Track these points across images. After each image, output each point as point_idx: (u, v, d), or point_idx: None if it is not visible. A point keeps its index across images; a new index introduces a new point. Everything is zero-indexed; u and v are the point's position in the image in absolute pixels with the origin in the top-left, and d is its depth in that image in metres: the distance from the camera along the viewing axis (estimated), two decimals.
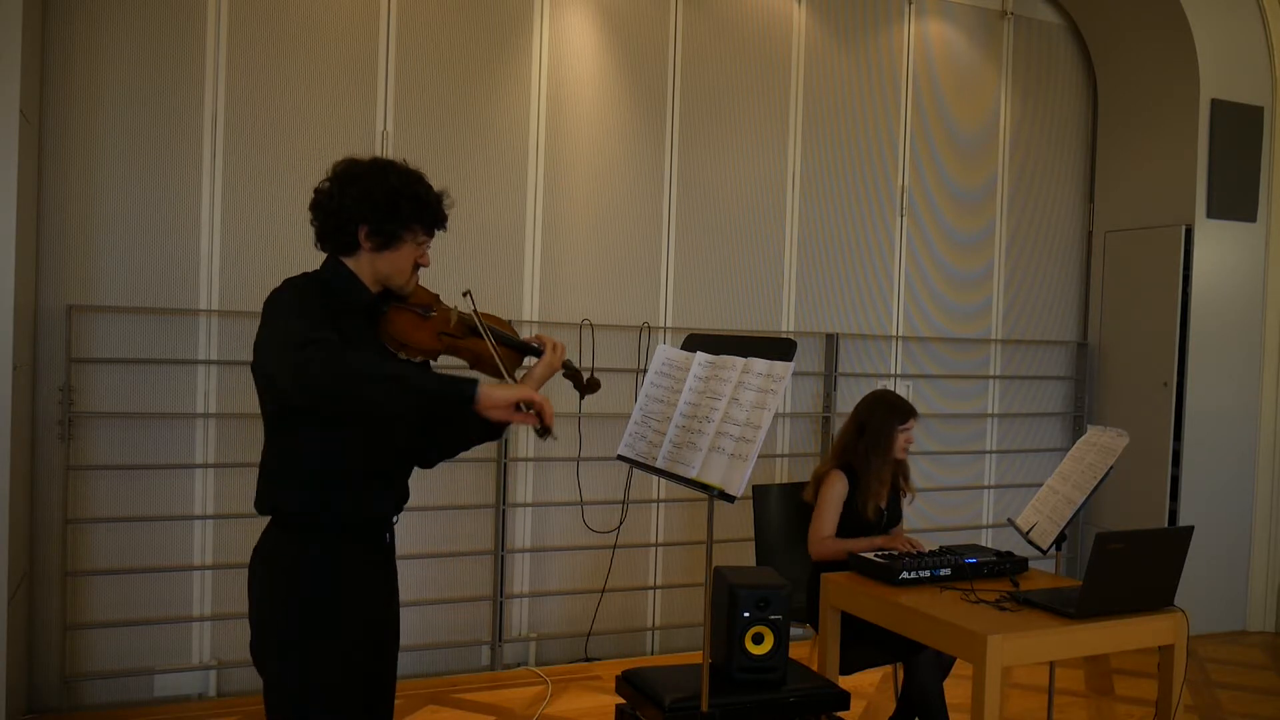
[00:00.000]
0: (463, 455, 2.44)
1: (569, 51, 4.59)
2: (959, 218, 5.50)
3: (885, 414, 3.51)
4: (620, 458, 2.52)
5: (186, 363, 3.96)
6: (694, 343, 2.50)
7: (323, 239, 2.12)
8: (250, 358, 2.06)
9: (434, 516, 4.33)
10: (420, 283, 2.22)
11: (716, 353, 2.41)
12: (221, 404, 4.01)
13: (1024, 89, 5.64)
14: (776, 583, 2.76)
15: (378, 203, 2.05)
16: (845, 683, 3.02)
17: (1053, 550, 3.19)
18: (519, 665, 4.53)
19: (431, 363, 2.25)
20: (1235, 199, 5.34)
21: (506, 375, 2.21)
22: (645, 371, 3.50)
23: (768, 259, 5.01)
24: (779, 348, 2.30)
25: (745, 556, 4.56)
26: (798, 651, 3.12)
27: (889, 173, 5.29)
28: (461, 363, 2.26)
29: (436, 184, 2.16)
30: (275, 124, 4.09)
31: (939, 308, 5.45)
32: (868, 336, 5.25)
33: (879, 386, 4.88)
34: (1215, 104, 5.26)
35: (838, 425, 4.74)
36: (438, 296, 2.28)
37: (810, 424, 5.13)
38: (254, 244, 4.06)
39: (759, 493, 3.89)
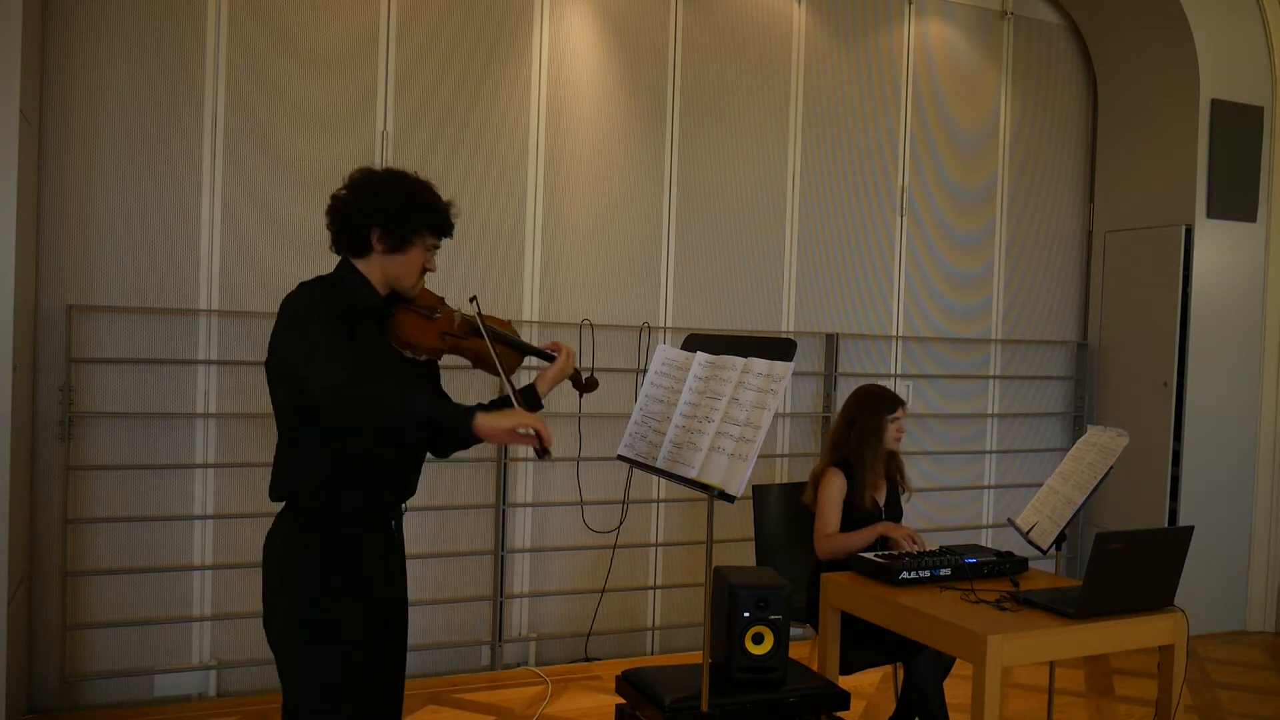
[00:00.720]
0: (463, 455, 2.50)
1: (569, 51, 4.59)
2: (959, 218, 5.50)
3: (873, 406, 3.56)
4: (620, 458, 2.53)
5: (186, 363, 3.96)
6: (694, 343, 2.50)
7: (338, 242, 2.25)
8: (251, 357, 2.10)
9: (434, 516, 4.33)
10: (426, 286, 2.33)
11: (716, 353, 2.41)
12: (221, 404, 4.00)
13: (1024, 89, 5.64)
14: (776, 583, 2.76)
15: (391, 207, 2.18)
16: (845, 683, 3.02)
17: (1053, 550, 3.19)
18: (519, 665, 4.53)
19: (437, 361, 2.37)
20: (1235, 199, 5.34)
21: (503, 372, 2.32)
22: (645, 371, 3.51)
23: (768, 259, 5.01)
24: (779, 348, 2.30)
25: (745, 556, 4.56)
26: (798, 651, 3.13)
27: (889, 173, 5.29)
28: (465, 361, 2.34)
29: (436, 185, 2.26)
30: (275, 124, 4.09)
31: (939, 308, 5.45)
32: (868, 336, 5.25)
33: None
34: (1215, 104, 5.26)
35: None
36: (442, 299, 2.38)
37: (810, 424, 5.13)
38: (254, 244, 4.06)
39: (759, 493, 3.89)
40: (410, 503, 2.36)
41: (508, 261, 4.50)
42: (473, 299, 2.36)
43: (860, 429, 3.54)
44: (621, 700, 2.85)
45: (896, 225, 5.32)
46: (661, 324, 4.79)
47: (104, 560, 3.87)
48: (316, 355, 2.03)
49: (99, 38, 3.83)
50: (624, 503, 4.61)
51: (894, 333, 5.33)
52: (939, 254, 5.44)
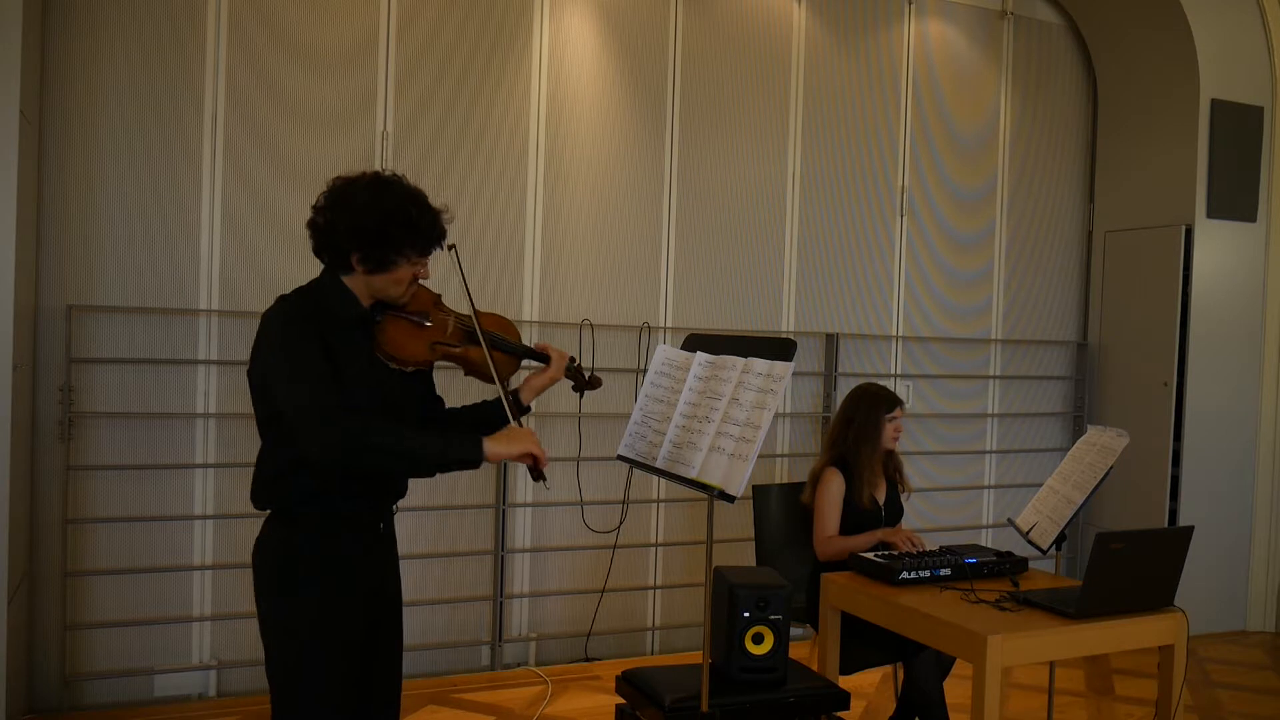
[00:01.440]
0: None
1: (569, 51, 4.59)
2: (959, 218, 5.50)
3: (871, 405, 3.57)
4: (620, 458, 2.52)
5: (186, 363, 3.96)
6: (694, 343, 2.50)
7: (318, 255, 2.15)
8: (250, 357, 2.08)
9: (434, 516, 4.33)
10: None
11: (716, 353, 2.41)
12: (221, 404, 4.00)
13: (1024, 89, 5.64)
14: (776, 583, 2.75)
15: (368, 231, 2.05)
16: (845, 683, 3.02)
17: (1053, 550, 3.19)
18: (519, 665, 4.53)
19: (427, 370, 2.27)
20: (1235, 199, 5.34)
21: (502, 389, 2.21)
22: (645, 371, 3.51)
23: (768, 259, 5.01)
24: (779, 348, 2.30)
25: (745, 556, 4.56)
26: (798, 651, 3.12)
27: (889, 173, 5.29)
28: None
29: (437, 185, 2.19)
30: (275, 124, 4.09)
31: (939, 308, 5.45)
32: (868, 336, 5.25)
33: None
34: (1215, 104, 5.26)
35: None
36: (439, 298, 2.25)
37: (810, 424, 5.13)
38: (254, 244, 4.06)
39: (759, 493, 3.89)
40: (410, 503, 2.35)
41: (508, 261, 4.50)
42: (451, 247, 2.22)
43: (858, 428, 3.55)
44: (621, 700, 2.85)
45: (896, 225, 5.32)
46: (661, 324, 4.79)
47: (104, 560, 3.87)
48: (310, 404, 1.97)
49: (99, 38, 3.83)
50: (624, 503, 4.61)
51: (894, 333, 5.33)
52: (939, 254, 5.44)
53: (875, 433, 3.54)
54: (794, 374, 4.16)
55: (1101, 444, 3.21)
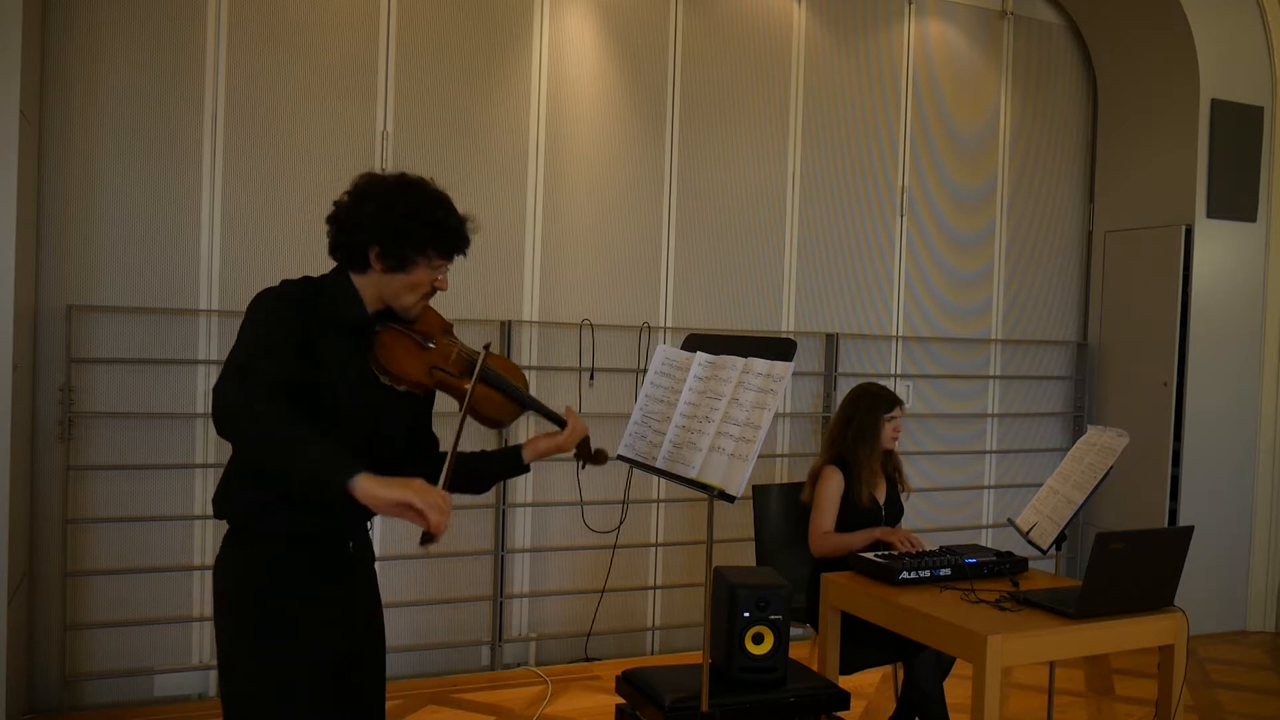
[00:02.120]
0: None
1: (569, 51, 4.59)
2: (959, 218, 5.50)
3: (870, 404, 3.58)
4: (620, 458, 2.53)
5: (186, 363, 3.96)
6: (694, 343, 2.50)
7: (334, 250, 2.05)
8: None
9: None
10: (434, 306, 2.13)
11: (716, 353, 2.41)
12: None
13: (1024, 89, 5.64)
14: (776, 583, 2.76)
15: (390, 226, 1.97)
16: (845, 683, 3.02)
17: (1053, 550, 3.19)
18: (519, 665, 4.53)
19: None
20: (1235, 199, 5.34)
21: (460, 422, 2.04)
22: (645, 371, 3.50)
23: (768, 259, 5.01)
24: (779, 348, 2.30)
25: (745, 556, 4.56)
26: (798, 651, 3.12)
27: (889, 173, 5.29)
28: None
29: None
30: (275, 124, 4.09)
31: (939, 308, 5.45)
32: (868, 336, 5.25)
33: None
34: (1215, 104, 5.26)
35: None
36: (450, 327, 2.15)
37: (810, 424, 5.13)
38: (254, 244, 4.06)
39: (759, 493, 3.89)
40: None
41: (508, 261, 4.50)
42: (486, 346, 2.11)
43: (857, 427, 3.56)
44: (621, 700, 2.85)
45: (896, 225, 5.32)
46: (661, 324, 4.79)
47: (104, 560, 3.87)
48: (246, 344, 1.85)
49: (99, 38, 3.83)
50: (624, 503, 4.61)
51: (894, 333, 5.33)
52: (939, 254, 5.44)
53: (874, 432, 3.55)
54: (794, 374, 4.16)
55: (1101, 444, 3.21)
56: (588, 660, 4.61)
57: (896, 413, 3.58)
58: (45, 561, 3.79)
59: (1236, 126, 5.31)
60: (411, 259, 2.00)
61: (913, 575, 3.05)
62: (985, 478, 5.61)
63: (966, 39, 5.48)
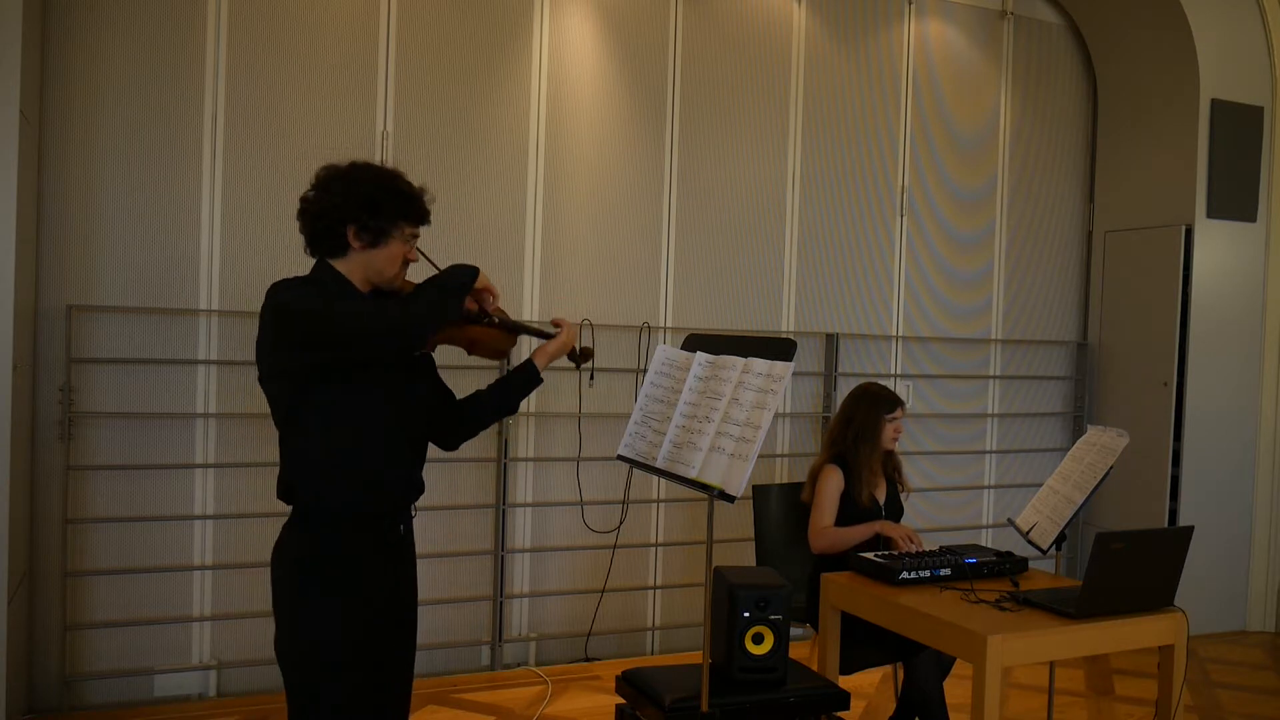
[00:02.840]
0: (463, 455, 2.48)
1: (569, 51, 4.59)
2: (959, 218, 5.50)
3: (871, 405, 3.58)
4: (620, 458, 2.53)
5: (186, 363, 3.96)
6: (694, 343, 2.50)
7: (313, 244, 2.19)
8: (251, 356, 2.10)
9: (434, 516, 4.33)
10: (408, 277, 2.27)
11: (716, 353, 2.41)
12: (221, 404, 4.00)
13: (1024, 89, 5.64)
14: (776, 583, 2.76)
15: (362, 201, 2.11)
16: (845, 683, 3.02)
17: (1053, 550, 3.19)
18: (519, 665, 4.53)
19: (431, 355, 2.36)
20: (1235, 199, 5.34)
21: (501, 356, 2.34)
22: (645, 371, 3.51)
23: (768, 259, 5.01)
24: (779, 348, 2.30)
25: (745, 556, 4.56)
26: (798, 651, 3.12)
27: (889, 173, 5.29)
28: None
29: (437, 185, 2.23)
30: (275, 124, 4.09)
31: (939, 307, 5.45)
32: (868, 336, 5.25)
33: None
34: (1215, 104, 5.26)
35: None
36: None
37: (810, 424, 5.13)
38: (254, 244, 4.06)
39: (759, 493, 3.89)
40: None
41: (508, 261, 4.50)
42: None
43: (857, 427, 3.56)
44: (621, 700, 2.85)
45: (896, 225, 5.32)
46: (661, 324, 4.79)
47: (104, 560, 3.87)
48: (340, 304, 2.05)
49: (99, 38, 3.83)
50: (624, 503, 4.61)
51: (894, 333, 5.33)
52: (939, 254, 5.44)
53: (875, 433, 3.55)
54: (794, 374, 4.16)
55: (1101, 444, 3.21)
56: (588, 660, 4.61)
57: (898, 413, 3.58)
58: (45, 561, 3.79)
59: (1236, 126, 5.31)
60: (387, 231, 2.14)
61: (913, 575, 3.05)
62: (985, 478, 5.61)
63: (966, 39, 5.48)
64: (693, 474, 2.27)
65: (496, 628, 4.47)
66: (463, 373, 3.81)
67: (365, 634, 2.15)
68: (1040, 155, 5.72)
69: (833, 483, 3.53)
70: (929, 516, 5.38)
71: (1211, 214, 5.29)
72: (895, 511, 3.64)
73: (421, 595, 4.45)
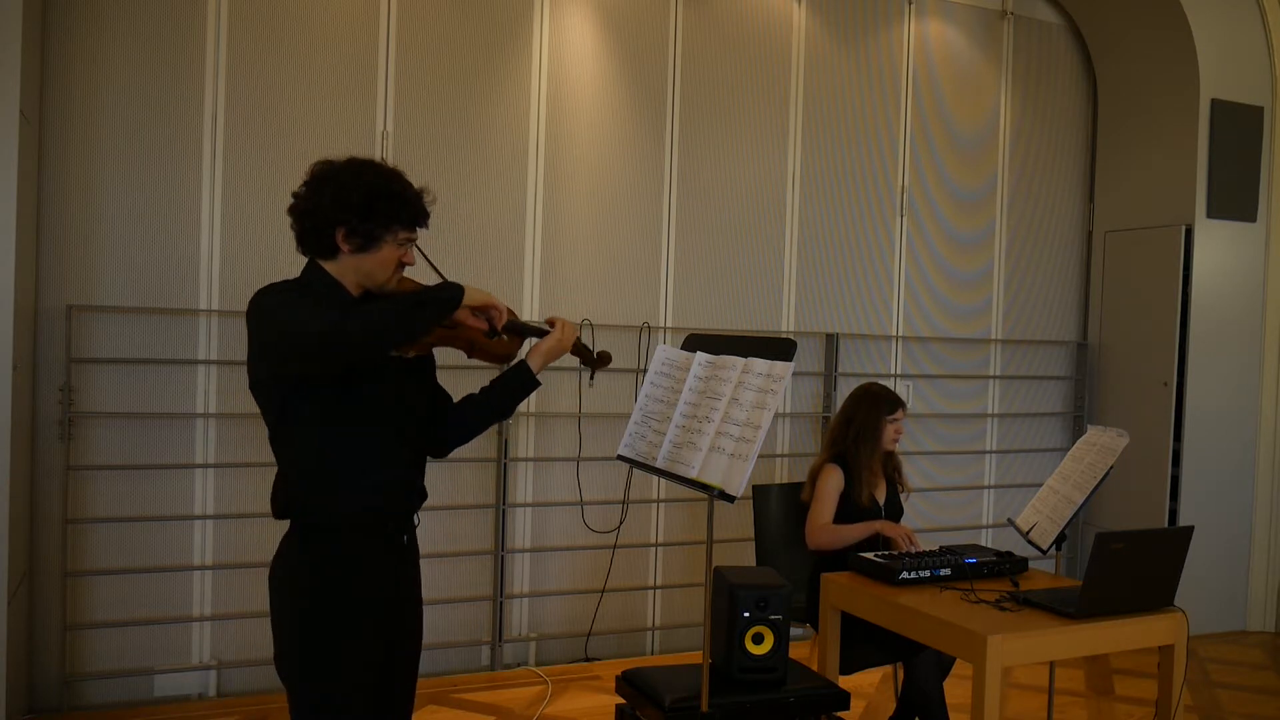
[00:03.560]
0: (463, 455, 2.45)
1: (569, 51, 4.59)
2: (959, 218, 5.50)
3: (872, 405, 3.58)
4: (620, 458, 2.52)
5: (186, 363, 3.96)
6: (694, 343, 2.50)
7: (302, 243, 2.10)
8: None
9: (434, 516, 4.33)
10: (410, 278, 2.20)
11: (716, 353, 2.41)
12: (221, 404, 4.00)
13: (1024, 89, 5.64)
14: (776, 583, 2.76)
15: (353, 203, 2.01)
16: (845, 683, 3.02)
17: (1053, 550, 3.19)
18: (519, 665, 4.53)
19: (429, 356, 2.28)
20: (1235, 199, 5.34)
21: (504, 360, 2.26)
22: (645, 371, 3.51)
23: (768, 259, 5.01)
24: (779, 348, 2.30)
25: (745, 556, 4.56)
26: (798, 651, 3.12)
27: (889, 173, 5.29)
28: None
29: (437, 185, 2.17)
30: (275, 124, 4.09)
31: (939, 307, 5.45)
32: (868, 336, 5.25)
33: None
34: (1215, 104, 5.26)
35: None
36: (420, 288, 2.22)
37: (810, 424, 5.13)
38: (254, 244, 4.06)
39: (759, 493, 3.89)
40: None
41: (508, 261, 4.50)
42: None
43: (858, 427, 3.56)
44: (621, 700, 2.85)
45: (896, 225, 5.32)
46: (661, 324, 4.79)
47: (104, 560, 3.87)
48: (300, 312, 1.92)
49: (99, 38, 3.83)
50: (624, 503, 4.61)
51: (894, 333, 5.33)
52: (939, 254, 5.44)
53: (875, 433, 3.55)
54: (794, 374, 4.16)
55: (1101, 444, 3.21)
56: (588, 660, 4.61)
57: (898, 414, 3.58)
58: (45, 561, 3.79)
59: (1236, 126, 5.31)
60: (378, 235, 2.04)
61: (913, 575, 3.05)
62: (985, 478, 5.61)
63: (966, 39, 5.48)
64: (693, 474, 2.27)
65: (496, 628, 4.47)
66: (463, 373, 3.81)
67: (368, 643, 2.08)
68: (1040, 155, 5.72)
69: (833, 481, 3.53)
70: (929, 516, 5.38)
71: (1211, 214, 5.29)
72: (895, 512, 3.64)
73: (422, 595, 4.45)
